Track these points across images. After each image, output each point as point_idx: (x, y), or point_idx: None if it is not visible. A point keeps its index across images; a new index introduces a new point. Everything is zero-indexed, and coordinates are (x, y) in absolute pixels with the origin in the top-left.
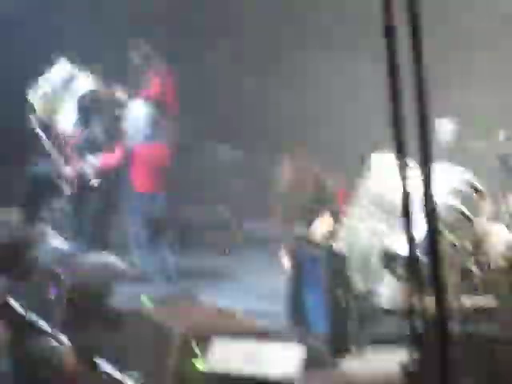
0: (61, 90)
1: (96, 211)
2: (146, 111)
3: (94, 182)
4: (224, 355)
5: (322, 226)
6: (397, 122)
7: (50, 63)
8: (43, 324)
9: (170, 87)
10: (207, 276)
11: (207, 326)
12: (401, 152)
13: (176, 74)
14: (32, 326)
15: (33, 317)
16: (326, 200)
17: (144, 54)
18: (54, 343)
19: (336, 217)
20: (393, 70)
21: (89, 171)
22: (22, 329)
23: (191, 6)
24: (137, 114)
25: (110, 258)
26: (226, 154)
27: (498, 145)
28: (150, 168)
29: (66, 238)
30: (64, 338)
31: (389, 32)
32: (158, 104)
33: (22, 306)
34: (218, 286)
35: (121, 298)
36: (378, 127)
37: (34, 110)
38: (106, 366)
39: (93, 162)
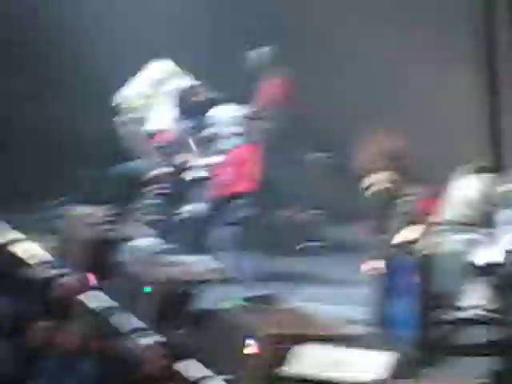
0: (156, 87)
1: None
2: (236, 113)
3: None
4: (312, 360)
5: (411, 233)
6: (494, 135)
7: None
8: (130, 322)
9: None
10: (296, 279)
11: (296, 329)
12: (494, 166)
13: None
14: (115, 325)
15: (118, 315)
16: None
17: (261, 58)
18: (140, 342)
19: (424, 225)
20: (493, 83)
21: (188, 169)
22: (105, 328)
23: None
24: (226, 116)
25: (199, 259)
26: (314, 157)
27: None
28: (240, 169)
29: (155, 237)
30: (150, 337)
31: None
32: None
33: (106, 304)
34: (307, 290)
35: (209, 298)
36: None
37: (124, 110)
38: (192, 367)
39: (202, 162)
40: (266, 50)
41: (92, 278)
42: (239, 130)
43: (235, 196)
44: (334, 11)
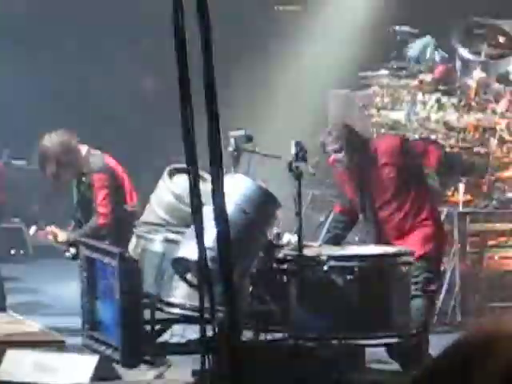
0: None
1: None
2: None
3: None
4: (16, 365)
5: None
6: (188, 134)
7: None
8: None
9: None
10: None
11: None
12: (191, 163)
13: None
14: None
15: None
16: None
17: None
18: None
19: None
20: (183, 84)
21: None
22: None
23: None
24: None
25: None
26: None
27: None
28: None
29: None
30: None
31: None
32: None
33: None
34: (13, 296)
35: None
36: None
37: None
38: None
39: None
40: None
41: None
42: None
43: None
44: None
